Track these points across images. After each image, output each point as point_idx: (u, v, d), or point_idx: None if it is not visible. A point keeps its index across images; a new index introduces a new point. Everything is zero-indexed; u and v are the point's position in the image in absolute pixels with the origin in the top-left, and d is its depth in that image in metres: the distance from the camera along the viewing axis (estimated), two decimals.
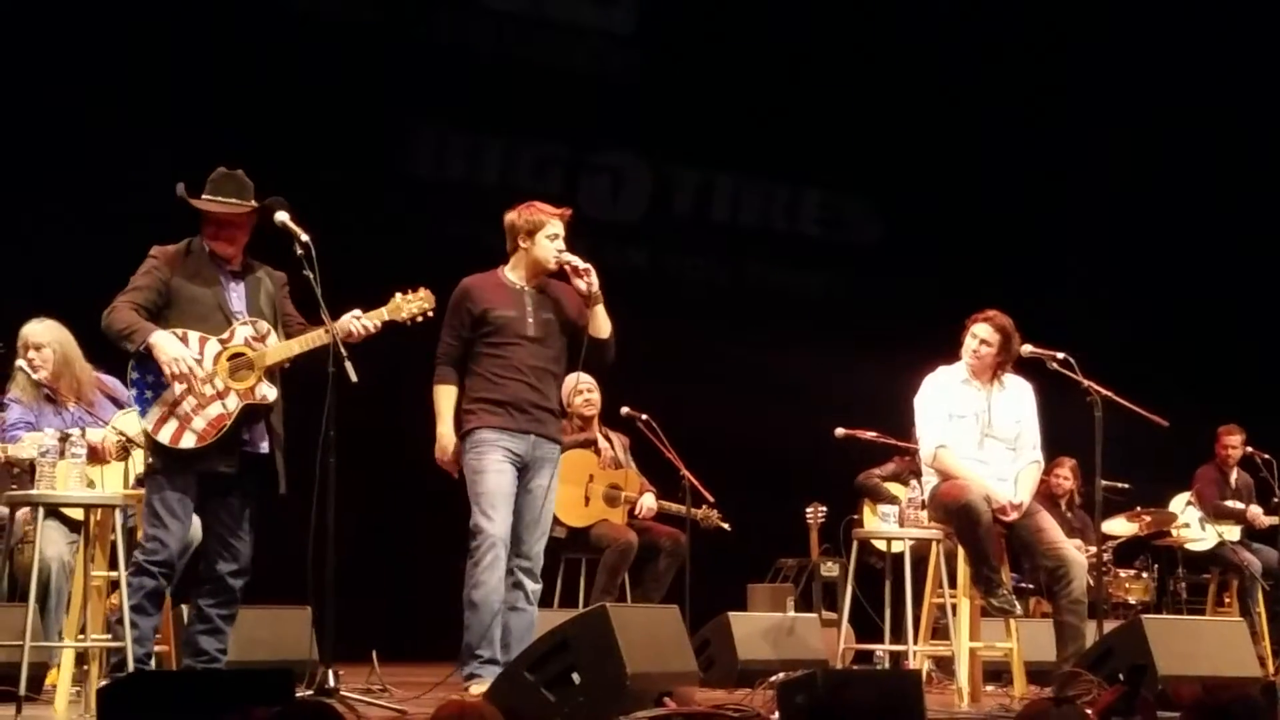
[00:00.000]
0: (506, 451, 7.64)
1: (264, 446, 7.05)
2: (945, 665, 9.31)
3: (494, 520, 7.58)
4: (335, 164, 11.93)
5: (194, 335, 6.84)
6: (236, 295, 7.08)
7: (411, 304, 7.30)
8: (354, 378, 7.04)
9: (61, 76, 10.96)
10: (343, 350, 7.06)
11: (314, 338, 7.05)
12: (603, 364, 7.97)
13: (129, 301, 6.91)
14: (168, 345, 6.83)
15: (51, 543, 7.77)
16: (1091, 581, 9.08)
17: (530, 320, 7.74)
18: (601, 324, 7.79)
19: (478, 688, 7.37)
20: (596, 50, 14.05)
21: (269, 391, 6.93)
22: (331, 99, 12.06)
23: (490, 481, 7.60)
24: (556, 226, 7.80)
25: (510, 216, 7.85)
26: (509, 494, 7.63)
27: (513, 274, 7.84)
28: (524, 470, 7.71)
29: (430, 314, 7.37)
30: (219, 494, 6.97)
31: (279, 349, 6.98)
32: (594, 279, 7.72)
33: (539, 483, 7.73)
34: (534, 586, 7.74)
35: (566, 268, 7.74)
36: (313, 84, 11.98)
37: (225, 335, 6.89)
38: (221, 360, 6.86)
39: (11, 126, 10.73)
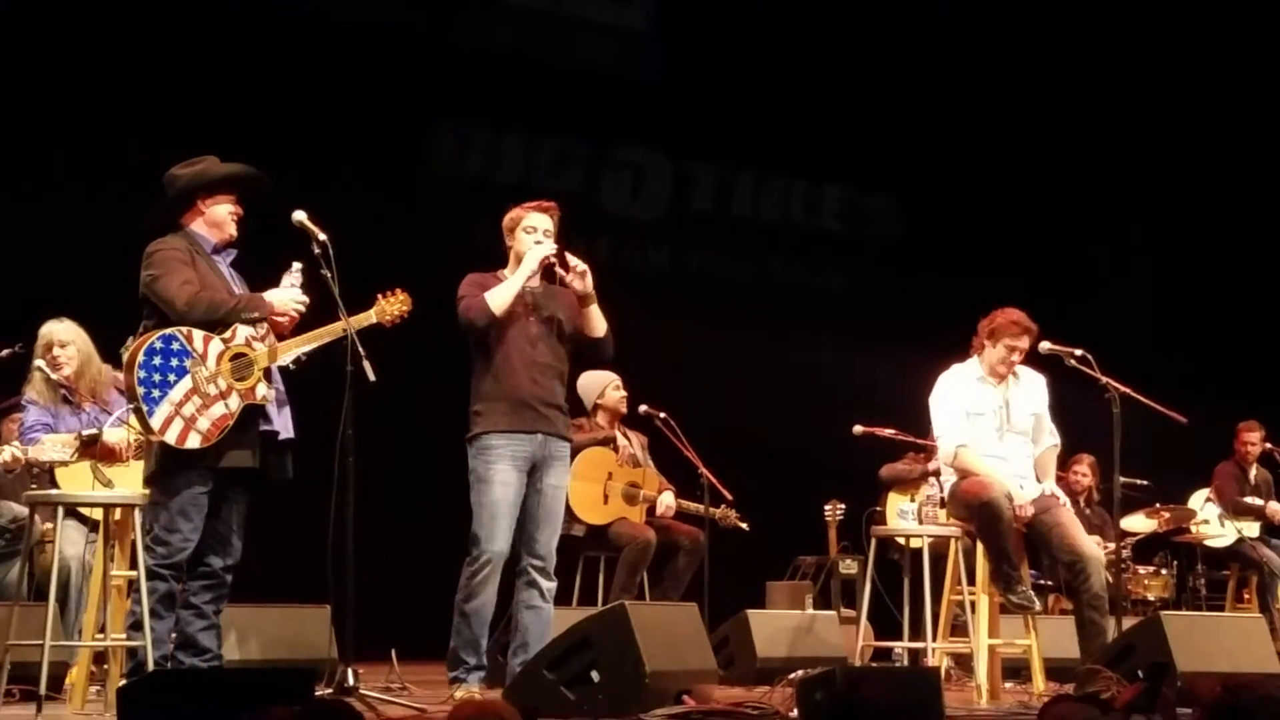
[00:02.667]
0: (514, 457, 7.61)
1: (290, 430, 7.06)
2: (964, 662, 9.30)
3: (495, 536, 7.58)
4: (355, 162, 11.95)
5: (198, 334, 6.80)
6: (240, 291, 7.08)
7: (392, 306, 7.31)
8: (372, 376, 7.07)
9: (77, 79, 10.97)
10: (360, 349, 7.07)
11: (309, 338, 7.05)
12: (602, 361, 8.01)
13: (193, 286, 6.85)
14: (282, 297, 6.95)
15: (71, 543, 7.80)
16: (1110, 578, 9.08)
17: (532, 318, 7.73)
18: (596, 324, 7.80)
19: (462, 693, 7.40)
20: (616, 47, 14.05)
21: (268, 391, 6.91)
22: (351, 97, 12.07)
23: (495, 493, 7.58)
24: (535, 220, 7.77)
25: (505, 219, 7.89)
26: (512, 506, 7.61)
27: (510, 274, 7.81)
28: (534, 470, 7.69)
29: (407, 315, 7.37)
30: (222, 490, 6.93)
31: (275, 350, 6.95)
32: (588, 279, 7.72)
33: (550, 482, 7.71)
34: (549, 584, 7.74)
35: (556, 266, 7.71)
36: (332, 83, 12.00)
37: (227, 335, 6.85)
38: (224, 360, 6.84)
39: (18, 127, 10.74)
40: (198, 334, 6.81)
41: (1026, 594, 8.46)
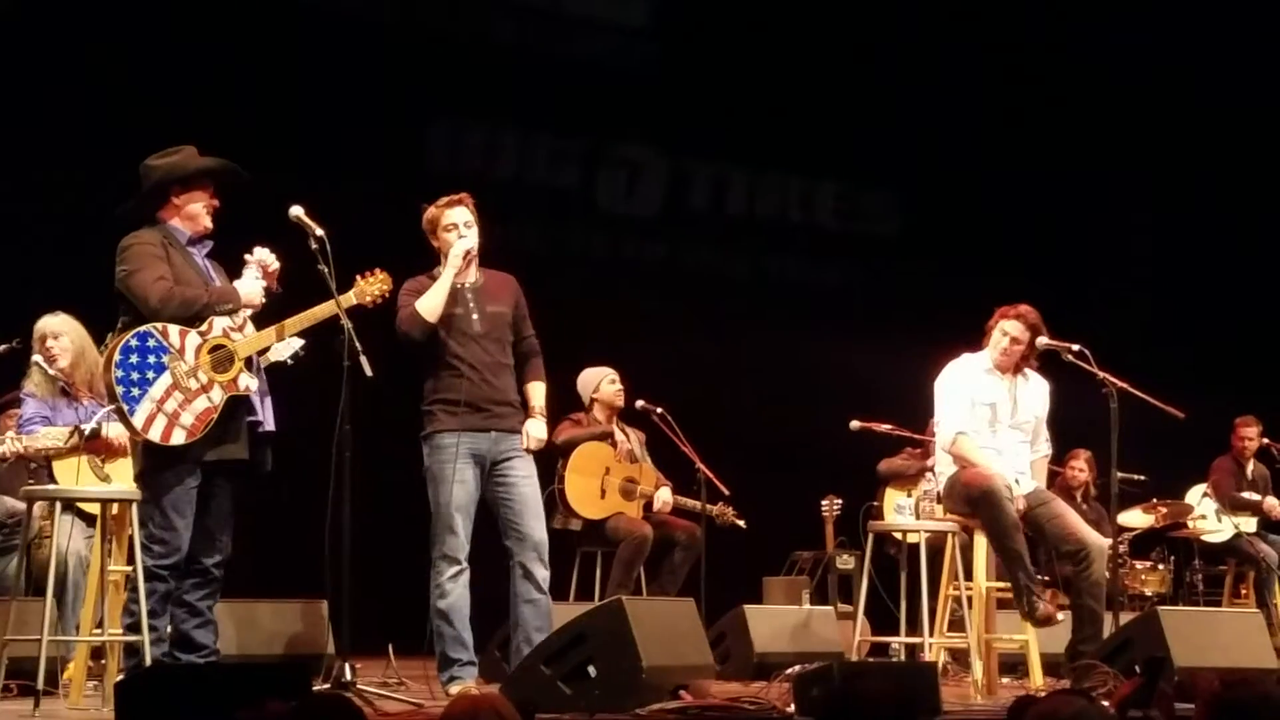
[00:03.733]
0: (466, 455, 7.60)
1: (272, 423, 7.04)
2: (961, 657, 9.31)
3: (456, 533, 7.59)
4: (352, 158, 11.93)
5: (174, 329, 6.77)
6: (216, 280, 7.06)
7: (372, 286, 7.31)
8: (369, 371, 7.06)
9: (73, 77, 10.96)
10: (358, 344, 7.07)
11: (290, 324, 7.04)
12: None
13: (166, 281, 6.81)
14: (250, 288, 6.95)
15: (68, 537, 7.78)
16: (1108, 572, 9.07)
17: (475, 316, 7.70)
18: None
19: (458, 688, 7.40)
20: (613, 44, 14.04)
21: (251, 382, 6.89)
22: (347, 93, 12.06)
23: (452, 493, 7.57)
24: (453, 216, 7.75)
25: (423, 221, 7.86)
26: (470, 502, 7.62)
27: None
28: (494, 465, 7.67)
29: (388, 295, 7.38)
30: (209, 483, 6.90)
31: (255, 339, 6.95)
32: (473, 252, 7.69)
33: (518, 473, 7.70)
34: (544, 573, 7.68)
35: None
36: (329, 78, 11.98)
37: (204, 328, 6.83)
38: (203, 353, 6.81)
39: (19, 126, 10.74)
40: (173, 329, 6.78)
41: (1047, 610, 8.42)
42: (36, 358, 8.24)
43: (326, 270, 7.09)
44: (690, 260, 14.62)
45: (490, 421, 7.66)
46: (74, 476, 7.65)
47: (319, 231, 7.13)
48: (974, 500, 8.44)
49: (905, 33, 14.44)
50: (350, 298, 7.20)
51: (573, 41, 13.87)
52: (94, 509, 7.56)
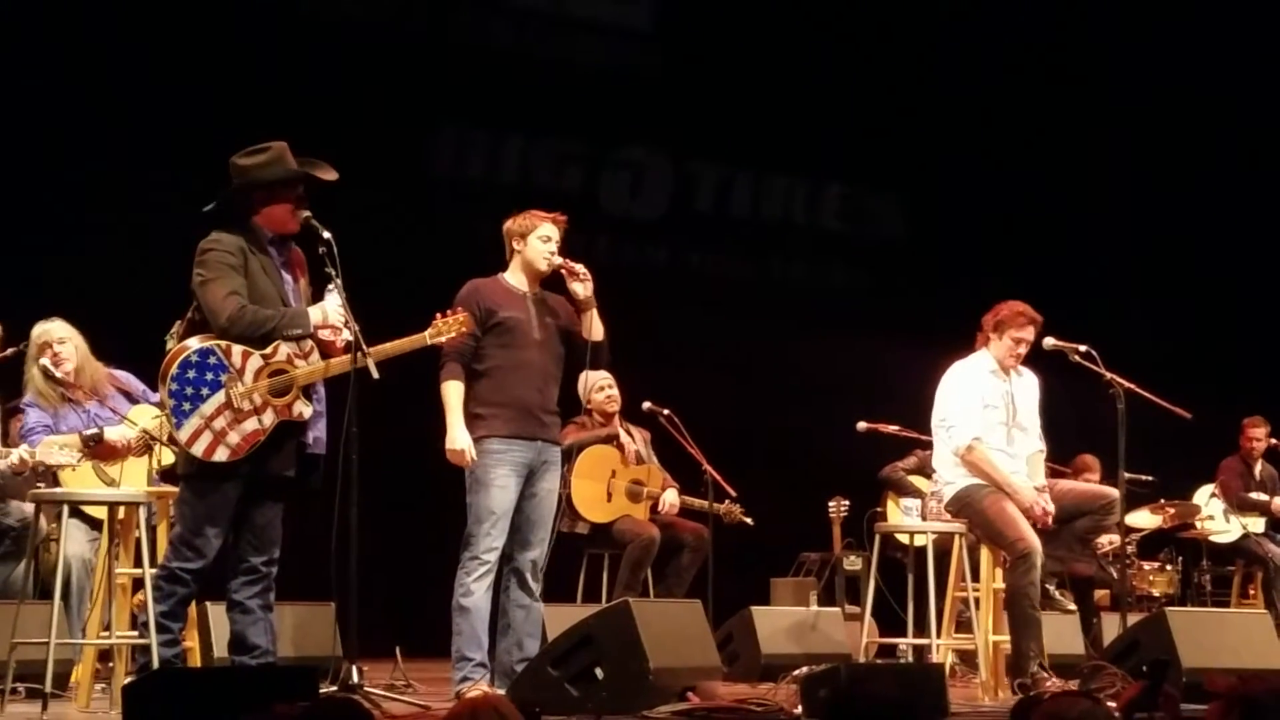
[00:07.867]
0: (514, 463, 7.68)
1: (322, 446, 7.00)
2: (968, 659, 9.30)
3: (493, 536, 7.63)
4: (355, 163, 11.86)
5: (237, 349, 6.69)
6: (291, 288, 7.00)
7: (451, 327, 7.30)
8: (376, 374, 7.04)
9: (77, 77, 10.96)
10: (364, 347, 7.05)
11: (391, 348, 7.03)
12: (600, 365, 8.12)
13: (239, 298, 6.73)
14: (327, 309, 6.91)
15: (73, 541, 7.78)
16: (1116, 572, 9.07)
17: (535, 324, 7.80)
18: (596, 327, 7.90)
19: (473, 691, 7.41)
20: (616, 47, 14.05)
21: (306, 409, 6.81)
22: (351, 99, 12.06)
23: (494, 497, 7.62)
24: (549, 230, 7.88)
25: (507, 224, 7.96)
26: (510, 510, 7.67)
27: (513, 279, 7.90)
28: (530, 476, 7.74)
29: (466, 333, 7.43)
30: (260, 491, 6.84)
31: (318, 369, 6.86)
32: (590, 283, 7.82)
33: (544, 486, 7.78)
34: (537, 585, 7.80)
35: (563, 270, 7.81)
36: (332, 84, 11.98)
37: (268, 351, 6.72)
38: (262, 376, 6.76)
39: (20, 126, 10.74)
40: (237, 349, 6.69)
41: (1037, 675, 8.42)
42: (45, 362, 8.20)
43: (334, 273, 7.06)
44: (695, 262, 14.63)
45: (539, 431, 7.75)
46: (80, 482, 7.64)
47: (326, 235, 7.11)
48: (1007, 550, 8.42)
49: (909, 35, 14.45)
50: (424, 338, 7.22)
51: (576, 45, 13.88)
52: (97, 511, 7.57)
